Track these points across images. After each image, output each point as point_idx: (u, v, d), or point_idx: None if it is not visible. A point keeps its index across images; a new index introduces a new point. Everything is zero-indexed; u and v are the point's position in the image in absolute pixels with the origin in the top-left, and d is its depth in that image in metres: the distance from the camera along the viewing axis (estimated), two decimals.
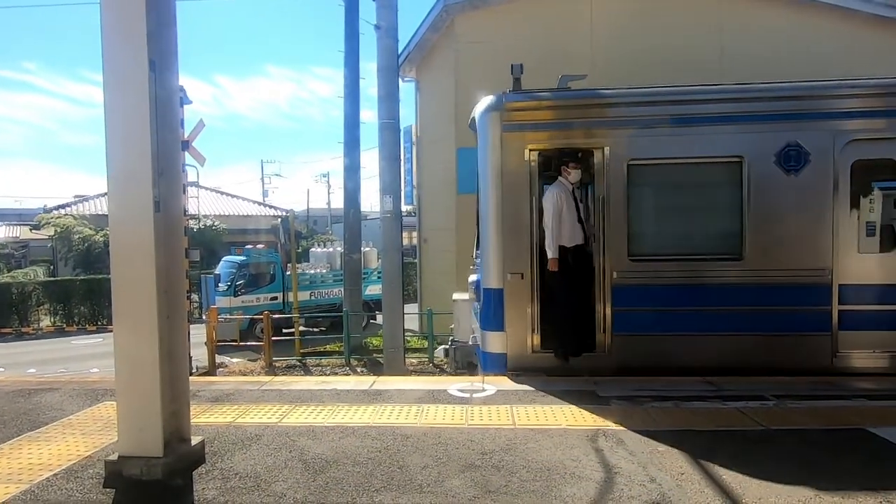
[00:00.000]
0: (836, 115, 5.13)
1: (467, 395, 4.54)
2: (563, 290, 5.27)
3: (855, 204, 5.08)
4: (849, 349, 5.06)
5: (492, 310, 5.36)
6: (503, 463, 3.21)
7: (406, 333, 11.38)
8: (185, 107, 10.62)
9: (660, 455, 3.33)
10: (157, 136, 3.09)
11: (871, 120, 5.10)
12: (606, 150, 5.21)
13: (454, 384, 4.86)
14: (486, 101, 5.48)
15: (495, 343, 5.37)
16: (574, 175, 5.37)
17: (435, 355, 8.09)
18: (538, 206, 5.34)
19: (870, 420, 3.81)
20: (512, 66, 5.52)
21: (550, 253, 5.22)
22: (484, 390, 4.66)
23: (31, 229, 31.50)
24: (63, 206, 28.73)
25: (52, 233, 25.65)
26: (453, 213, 11.93)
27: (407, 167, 16.32)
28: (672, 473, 3.08)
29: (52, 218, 26.64)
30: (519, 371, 5.24)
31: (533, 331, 5.31)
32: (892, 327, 5.04)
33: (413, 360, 11.29)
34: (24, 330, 19.10)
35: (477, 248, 6.48)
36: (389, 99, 10.61)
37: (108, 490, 2.90)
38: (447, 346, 7.37)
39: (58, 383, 5.13)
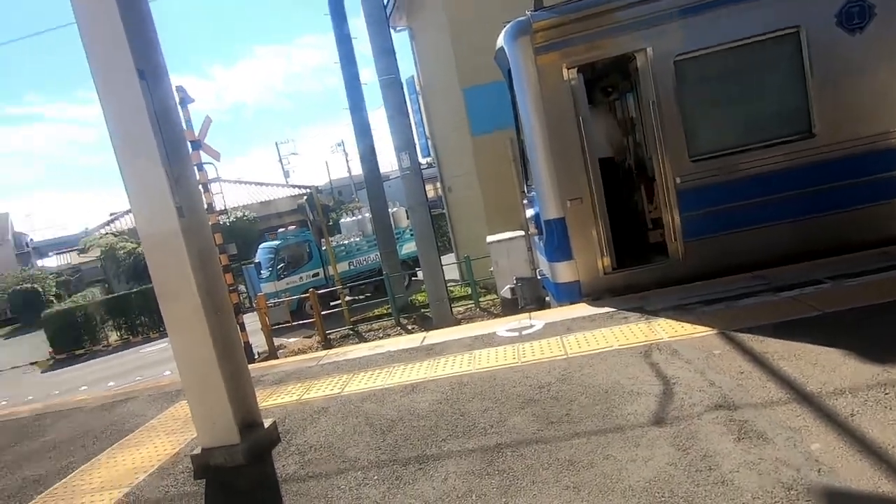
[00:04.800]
0: None
1: (516, 334, 4.60)
2: None
3: None
4: None
5: (556, 240, 5.31)
6: (561, 393, 3.27)
7: (448, 284, 11.54)
8: (189, 106, 10.65)
9: (716, 358, 3.32)
10: (165, 145, 3.12)
11: None
12: (649, 50, 4.93)
13: (502, 326, 4.92)
14: (510, 27, 5.23)
15: (565, 273, 5.35)
16: None
17: (501, 295, 8.18)
18: (585, 125, 5.12)
19: None
20: None
21: None
22: (532, 326, 4.71)
23: (78, 253, 33.01)
24: (102, 227, 29.80)
25: (99, 253, 26.79)
26: (471, 157, 11.76)
27: (417, 119, 16.06)
28: (731, 374, 3.07)
29: (94, 240, 27.76)
30: (594, 296, 5.25)
31: (602, 253, 5.25)
32: None
33: (460, 309, 11.48)
34: (95, 348, 20.31)
35: (527, 182, 6.38)
36: (384, 54, 10.34)
37: (199, 481, 3.12)
38: (512, 285, 7.42)
39: (135, 392, 5.47)
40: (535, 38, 5.06)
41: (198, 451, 3.24)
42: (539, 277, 7.09)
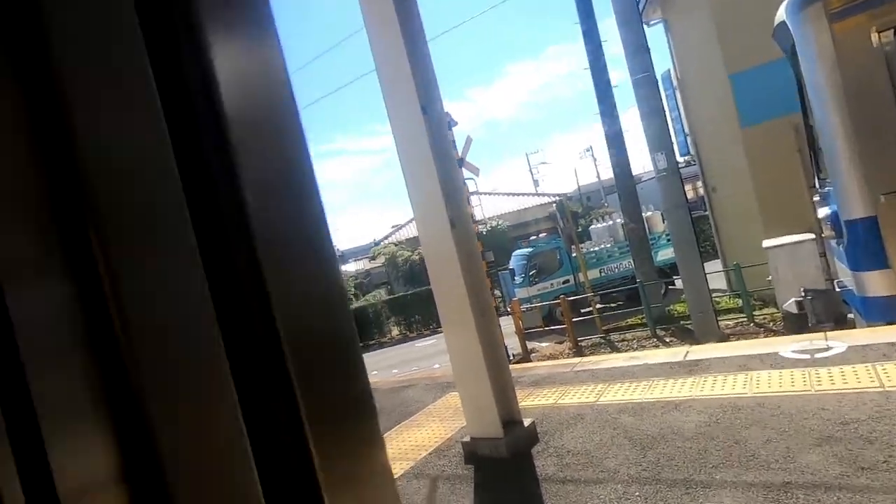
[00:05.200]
0: None
1: (807, 356, 3.89)
2: None
3: None
4: None
5: (864, 244, 4.38)
6: (875, 434, 2.65)
7: (713, 294, 10.36)
8: (453, 129, 11.93)
9: None
10: (439, 167, 3.59)
11: None
12: None
13: (787, 345, 4.22)
14: None
15: (879, 285, 4.34)
16: None
17: (783, 309, 7.11)
18: None
19: None
20: None
21: None
22: (829, 349, 3.92)
23: (369, 260, 39.91)
24: (386, 237, 35.43)
25: (383, 260, 31.91)
26: (741, 151, 10.37)
27: (674, 116, 14.88)
28: None
29: (379, 249, 33.16)
30: None
31: None
32: None
33: (728, 322, 10.20)
34: (381, 340, 24.20)
35: (819, 175, 5.45)
36: (638, 52, 9.91)
37: (468, 466, 3.46)
38: (799, 298, 6.37)
39: (414, 380, 6.35)
40: (829, 3, 4.23)
41: (467, 439, 3.60)
42: (838, 290, 5.84)
